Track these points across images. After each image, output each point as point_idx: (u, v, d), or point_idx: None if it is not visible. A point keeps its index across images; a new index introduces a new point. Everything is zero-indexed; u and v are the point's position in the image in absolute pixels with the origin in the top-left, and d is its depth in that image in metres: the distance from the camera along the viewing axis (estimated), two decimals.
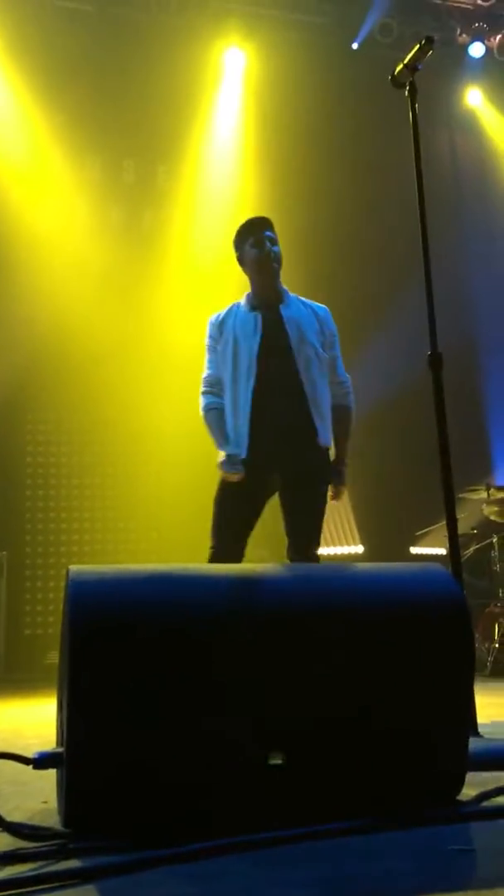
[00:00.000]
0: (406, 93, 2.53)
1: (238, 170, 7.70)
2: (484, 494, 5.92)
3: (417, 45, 2.48)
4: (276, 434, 3.24)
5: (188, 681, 1.53)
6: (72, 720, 1.47)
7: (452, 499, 2.58)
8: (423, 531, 5.96)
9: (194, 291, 6.79)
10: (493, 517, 6.04)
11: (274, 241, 3.38)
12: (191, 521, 7.05)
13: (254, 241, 3.35)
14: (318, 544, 3.34)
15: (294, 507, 3.28)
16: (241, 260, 3.45)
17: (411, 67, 2.52)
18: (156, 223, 7.59)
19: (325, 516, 3.32)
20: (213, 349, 3.47)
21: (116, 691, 1.49)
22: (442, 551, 6.11)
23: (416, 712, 1.66)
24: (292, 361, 3.28)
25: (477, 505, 6.06)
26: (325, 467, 3.33)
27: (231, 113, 7.78)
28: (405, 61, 2.53)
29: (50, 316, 6.69)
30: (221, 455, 3.24)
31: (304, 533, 3.25)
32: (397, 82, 2.60)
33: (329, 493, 3.34)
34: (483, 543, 6.11)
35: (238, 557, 3.31)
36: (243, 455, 3.21)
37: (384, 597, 1.71)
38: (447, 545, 2.58)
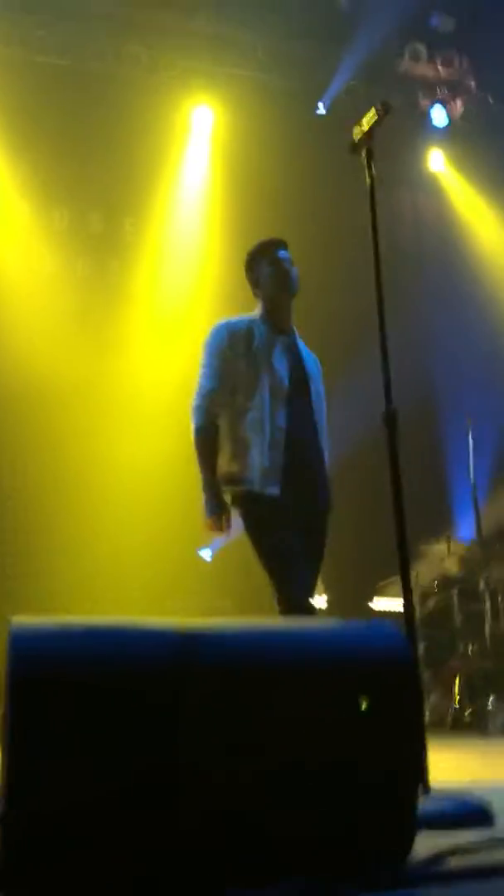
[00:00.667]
0: (363, 157, 2.60)
1: (204, 225, 7.82)
2: (444, 547, 5.96)
3: (374, 111, 2.55)
4: (304, 481, 3.07)
5: (129, 740, 1.50)
6: (7, 775, 1.43)
7: (407, 557, 2.58)
8: (384, 583, 5.96)
9: (157, 343, 6.85)
10: (452, 571, 6.07)
11: (291, 262, 3.24)
12: (151, 572, 7.01)
13: (271, 259, 3.21)
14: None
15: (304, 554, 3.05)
16: (255, 282, 3.26)
17: (368, 132, 2.59)
18: (121, 274, 7.66)
19: None
20: (225, 359, 3.13)
21: (55, 748, 1.46)
22: (397, 604, 6.11)
23: (364, 772, 1.64)
24: (309, 398, 3.17)
25: (437, 558, 6.09)
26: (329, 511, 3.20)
27: (199, 168, 7.93)
28: (362, 126, 2.60)
29: (13, 363, 6.69)
30: (204, 497, 3.05)
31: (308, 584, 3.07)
32: (355, 147, 2.67)
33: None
34: (443, 597, 6.12)
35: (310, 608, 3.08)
36: (276, 492, 2.99)
37: (331, 654, 1.70)
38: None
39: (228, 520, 3.10)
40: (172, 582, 6.85)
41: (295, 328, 3.29)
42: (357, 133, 2.59)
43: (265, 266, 3.20)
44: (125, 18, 7.09)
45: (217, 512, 3.07)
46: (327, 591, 7.11)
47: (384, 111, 2.52)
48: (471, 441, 5.58)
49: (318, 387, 3.24)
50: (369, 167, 2.62)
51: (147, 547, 6.77)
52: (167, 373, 7.03)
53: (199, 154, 7.92)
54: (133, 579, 6.86)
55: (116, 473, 6.89)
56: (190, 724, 1.53)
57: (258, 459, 3.02)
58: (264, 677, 1.63)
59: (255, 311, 3.26)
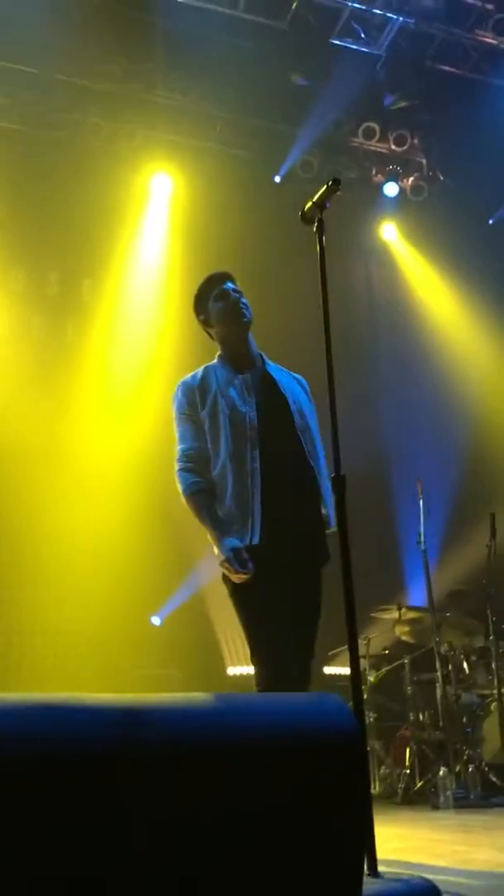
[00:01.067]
0: (315, 229, 2.65)
1: (161, 289, 7.90)
2: (396, 614, 5.93)
3: (325, 186, 2.61)
4: (286, 522, 2.82)
5: (59, 822, 1.43)
6: None
7: (354, 626, 2.55)
8: (335, 651, 5.90)
9: (111, 406, 6.84)
10: (404, 637, 6.04)
11: (240, 293, 3.08)
12: (99, 641, 6.85)
13: (217, 294, 3.07)
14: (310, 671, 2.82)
15: (294, 620, 2.77)
16: (206, 322, 3.14)
17: (320, 205, 2.64)
18: (77, 335, 7.68)
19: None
20: (189, 418, 3.01)
21: None
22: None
23: (307, 853, 1.59)
24: (293, 431, 2.94)
25: (389, 625, 6.06)
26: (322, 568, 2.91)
27: (157, 233, 8.05)
28: (314, 199, 2.66)
29: None
30: (222, 550, 2.76)
31: (299, 657, 2.75)
32: (307, 218, 2.72)
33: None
34: (395, 664, 6.07)
35: (303, 682, 2.75)
36: (255, 542, 2.76)
37: (275, 730, 1.66)
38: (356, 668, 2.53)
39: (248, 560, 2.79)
40: (121, 650, 6.72)
41: (263, 355, 3.16)
42: (309, 206, 2.65)
43: (212, 303, 3.08)
44: (86, 89, 7.24)
45: (239, 558, 2.77)
46: None
47: (335, 187, 2.59)
48: (421, 504, 5.60)
49: (301, 407, 3.02)
50: (320, 239, 2.66)
51: (96, 616, 6.64)
52: (120, 437, 7.01)
53: (157, 219, 8.05)
54: (82, 648, 6.70)
55: (65, 537, 6.79)
56: (126, 807, 1.47)
57: (232, 510, 2.84)
58: (208, 755, 1.58)
59: (216, 355, 3.17)
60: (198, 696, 1.61)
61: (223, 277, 3.13)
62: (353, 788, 1.65)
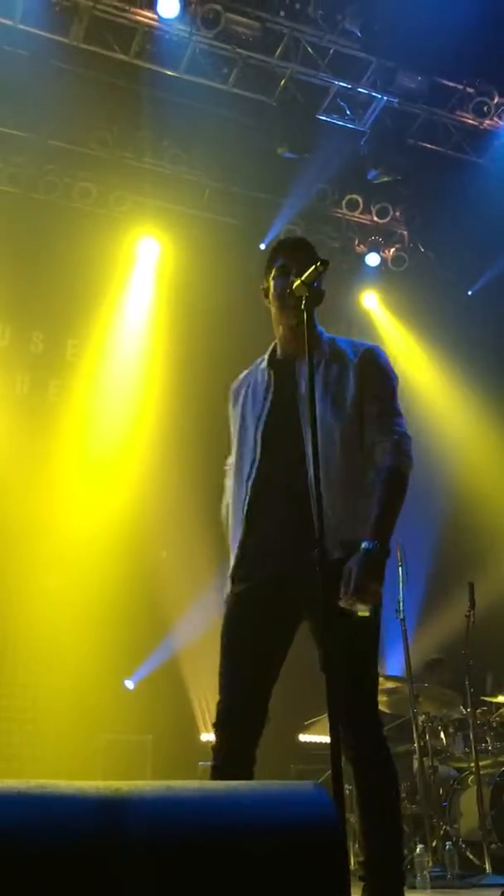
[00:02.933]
0: (302, 306, 2.68)
1: (146, 351, 7.98)
2: None
3: (314, 266, 2.65)
4: (275, 547, 2.53)
5: None
6: None
7: (336, 697, 2.52)
8: (311, 721, 5.81)
9: (89, 466, 6.83)
10: (381, 707, 5.94)
11: (305, 272, 2.47)
12: (62, 711, 6.71)
13: (278, 269, 2.72)
14: (368, 708, 2.44)
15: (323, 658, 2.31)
16: (266, 295, 2.81)
17: (307, 284, 2.68)
18: (60, 394, 7.70)
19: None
20: (231, 420, 2.81)
21: None
22: (328, 740, 5.94)
23: None
24: (300, 435, 2.49)
25: None
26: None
27: (143, 296, 8.15)
28: (302, 278, 2.70)
29: None
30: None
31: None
32: (294, 295, 2.76)
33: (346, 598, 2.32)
34: None
35: (245, 727, 2.46)
36: (241, 574, 2.56)
37: (252, 822, 1.62)
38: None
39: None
40: (93, 713, 6.59)
41: (323, 336, 2.73)
42: (297, 285, 2.68)
43: (271, 279, 2.74)
44: (78, 155, 7.41)
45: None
46: None
47: (323, 268, 2.62)
48: (401, 571, 5.57)
49: (332, 401, 2.54)
50: (307, 316, 2.69)
51: (69, 678, 6.53)
52: (98, 499, 6.98)
53: (143, 282, 8.15)
54: (52, 711, 6.58)
55: (40, 597, 6.70)
56: None
57: (234, 539, 2.59)
58: (186, 849, 1.54)
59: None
60: (176, 787, 1.58)
61: (296, 246, 2.73)
62: (333, 881, 1.62)
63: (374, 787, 2.44)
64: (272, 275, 2.77)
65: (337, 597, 2.38)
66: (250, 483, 2.58)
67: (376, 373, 2.69)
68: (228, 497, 2.73)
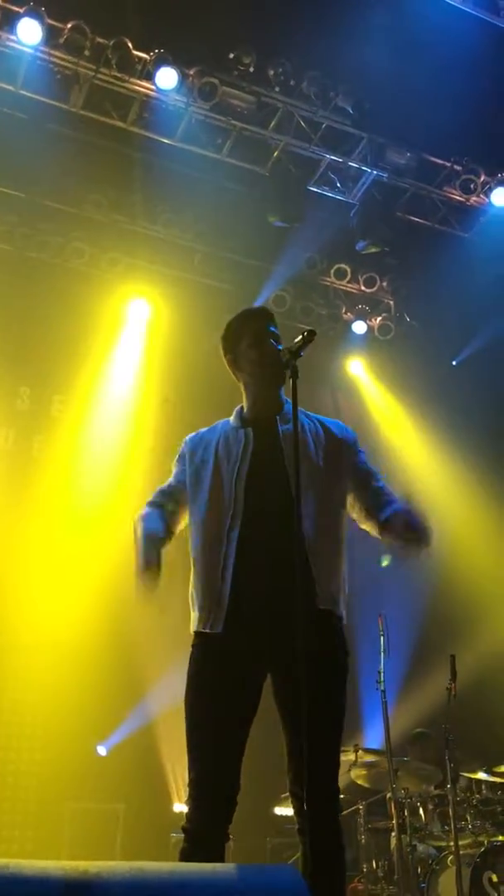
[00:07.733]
0: (288, 375, 2.70)
1: (133, 410, 7.98)
2: (352, 757, 5.73)
3: (302, 336, 2.68)
4: (260, 603, 2.54)
5: None
6: None
7: (316, 775, 2.45)
8: (287, 794, 5.64)
9: (68, 527, 6.77)
10: (360, 781, 5.81)
11: (278, 339, 2.79)
12: (31, 777, 6.51)
13: (253, 339, 2.83)
14: (334, 777, 2.53)
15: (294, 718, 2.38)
16: (234, 363, 2.88)
17: (295, 353, 2.71)
18: (43, 450, 7.65)
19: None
20: (180, 459, 2.85)
21: None
22: None
23: None
24: (288, 493, 2.49)
25: (344, 767, 5.83)
26: (333, 649, 2.67)
27: (131, 356, 8.18)
28: (290, 347, 2.73)
29: None
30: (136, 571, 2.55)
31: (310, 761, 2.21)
32: (283, 365, 2.77)
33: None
34: (350, 809, 5.82)
35: (218, 802, 2.43)
36: (219, 630, 2.51)
37: None
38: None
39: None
40: (63, 780, 6.41)
41: (288, 403, 2.73)
42: (285, 354, 2.71)
43: (245, 347, 2.84)
44: (72, 216, 7.51)
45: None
46: None
47: (311, 338, 2.66)
48: (382, 642, 5.49)
49: (318, 461, 2.68)
50: (294, 383, 2.71)
51: (39, 743, 6.36)
52: (75, 559, 6.89)
53: (132, 342, 8.19)
54: (22, 777, 6.38)
55: (12, 660, 6.56)
56: None
57: (200, 593, 2.62)
58: None
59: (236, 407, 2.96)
60: (148, 870, 1.50)
61: (263, 317, 2.87)
62: None
63: (325, 876, 2.37)
64: (261, 340, 2.85)
65: (326, 650, 2.60)
66: (233, 535, 2.60)
67: (352, 436, 2.92)
68: (162, 532, 2.73)
